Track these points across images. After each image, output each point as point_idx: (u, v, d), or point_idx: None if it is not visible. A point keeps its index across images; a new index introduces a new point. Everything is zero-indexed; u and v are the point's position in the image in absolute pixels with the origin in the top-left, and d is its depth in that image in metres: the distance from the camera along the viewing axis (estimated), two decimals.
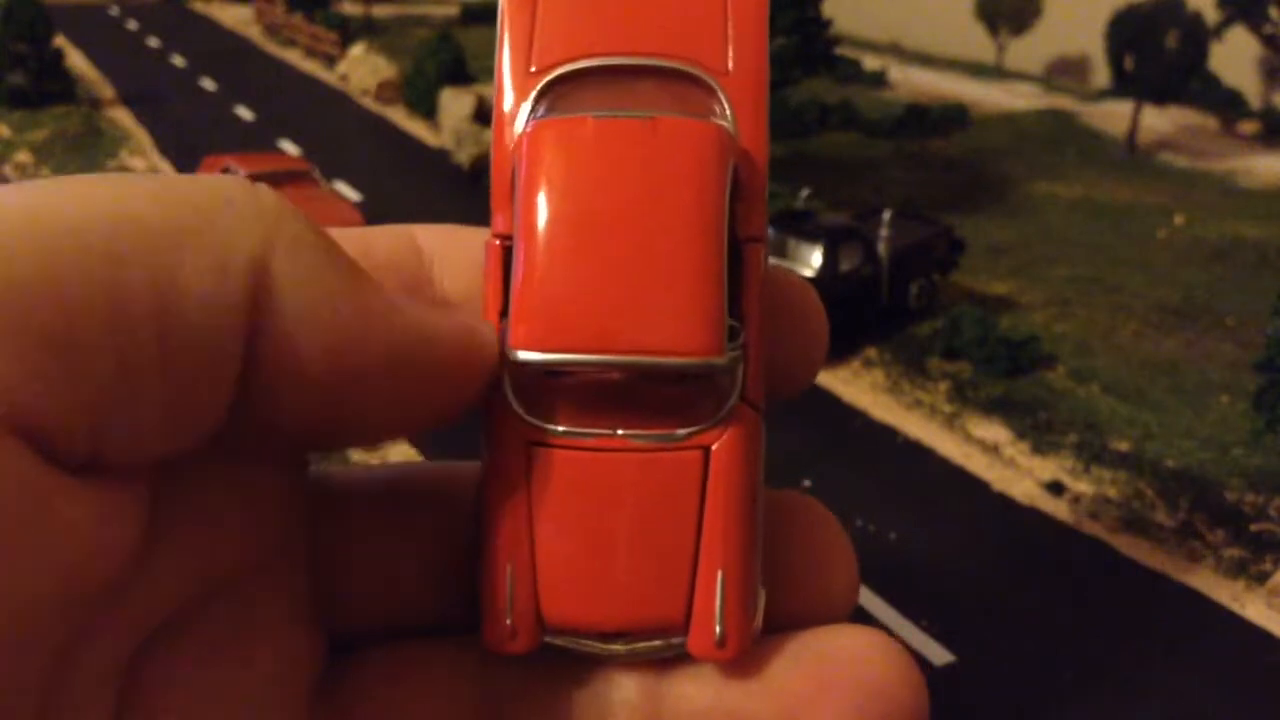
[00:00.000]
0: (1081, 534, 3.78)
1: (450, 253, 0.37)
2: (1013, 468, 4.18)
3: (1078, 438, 4.36)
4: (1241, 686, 3.07)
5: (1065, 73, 12.05)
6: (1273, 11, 8.26)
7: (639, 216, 0.30)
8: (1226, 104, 9.47)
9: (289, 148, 8.27)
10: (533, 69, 0.33)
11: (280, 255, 0.27)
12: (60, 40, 9.55)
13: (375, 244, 0.36)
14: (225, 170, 6.41)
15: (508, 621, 0.32)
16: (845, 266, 5.03)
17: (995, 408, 4.57)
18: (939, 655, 3.12)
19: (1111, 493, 4.01)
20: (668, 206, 0.30)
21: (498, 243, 0.33)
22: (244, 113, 9.57)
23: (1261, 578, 3.53)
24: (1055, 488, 4.04)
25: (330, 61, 11.54)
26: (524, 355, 0.30)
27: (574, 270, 0.30)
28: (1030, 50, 11.75)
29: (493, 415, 0.32)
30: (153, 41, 12.96)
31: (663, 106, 0.32)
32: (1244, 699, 3.02)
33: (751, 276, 0.32)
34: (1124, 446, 4.31)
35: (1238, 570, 3.59)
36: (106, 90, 10.13)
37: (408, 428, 0.32)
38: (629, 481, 0.31)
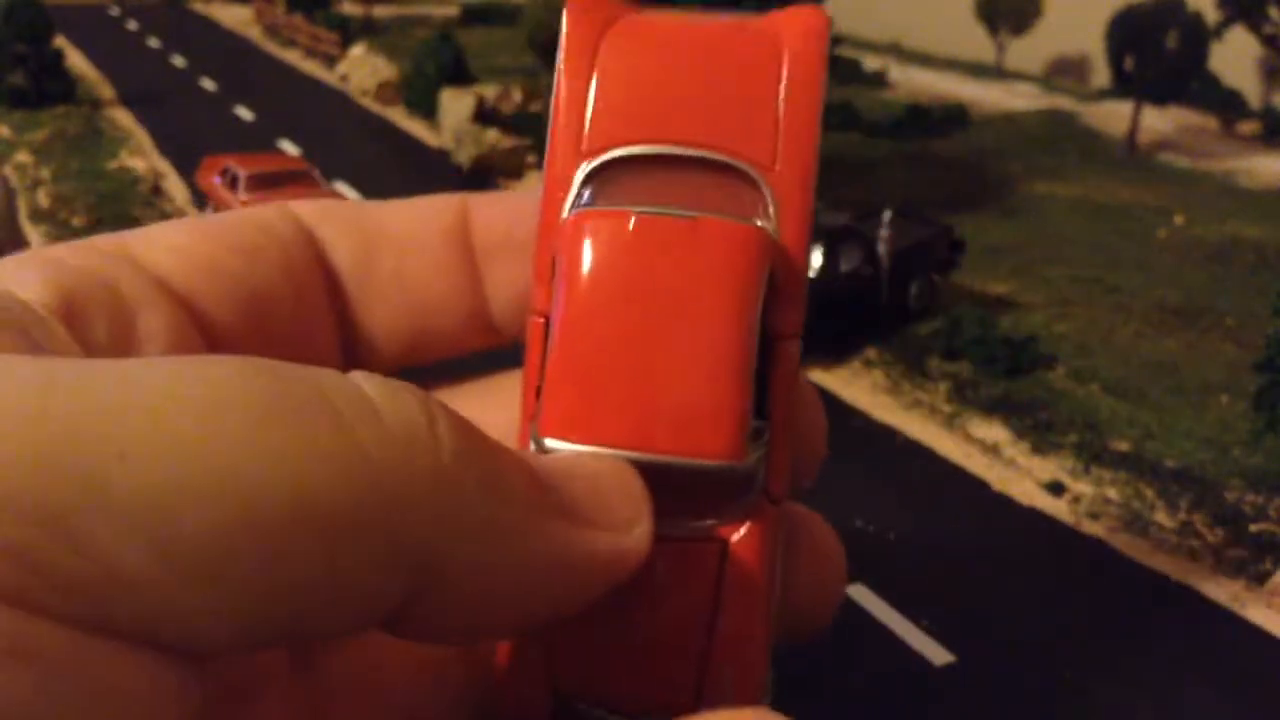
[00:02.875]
0: (1081, 534, 3.78)
1: (487, 208, 0.39)
2: (1013, 468, 4.18)
3: (1078, 438, 4.36)
4: (1241, 687, 3.07)
5: (1065, 73, 12.06)
6: (1273, 11, 8.26)
7: (673, 317, 0.31)
8: (1226, 104, 9.48)
9: (289, 148, 8.27)
10: (584, 148, 0.34)
11: (457, 536, 0.26)
12: (60, 41, 9.56)
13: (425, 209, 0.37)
14: (225, 171, 6.40)
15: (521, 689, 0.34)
16: (845, 267, 5.03)
17: (995, 408, 4.57)
18: (939, 655, 3.12)
19: (1111, 493, 4.01)
20: (701, 309, 0.31)
21: (539, 320, 0.34)
22: (244, 113, 9.58)
23: (1261, 578, 3.53)
24: (1055, 488, 4.04)
25: (330, 62, 11.55)
26: (550, 443, 0.31)
27: (604, 365, 0.31)
28: (1030, 50, 11.75)
29: None
30: (153, 42, 12.97)
31: (709, 199, 0.33)
32: (1244, 699, 3.02)
33: (781, 374, 0.33)
34: (1124, 447, 4.31)
35: (1238, 570, 3.59)
36: (107, 91, 10.13)
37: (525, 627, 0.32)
38: (645, 573, 0.31)
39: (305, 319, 0.36)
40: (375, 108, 9.93)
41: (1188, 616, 3.37)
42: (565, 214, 0.33)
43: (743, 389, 0.31)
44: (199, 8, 15.89)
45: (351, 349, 0.37)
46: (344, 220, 0.37)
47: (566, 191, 0.34)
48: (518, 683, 0.33)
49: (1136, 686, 3.04)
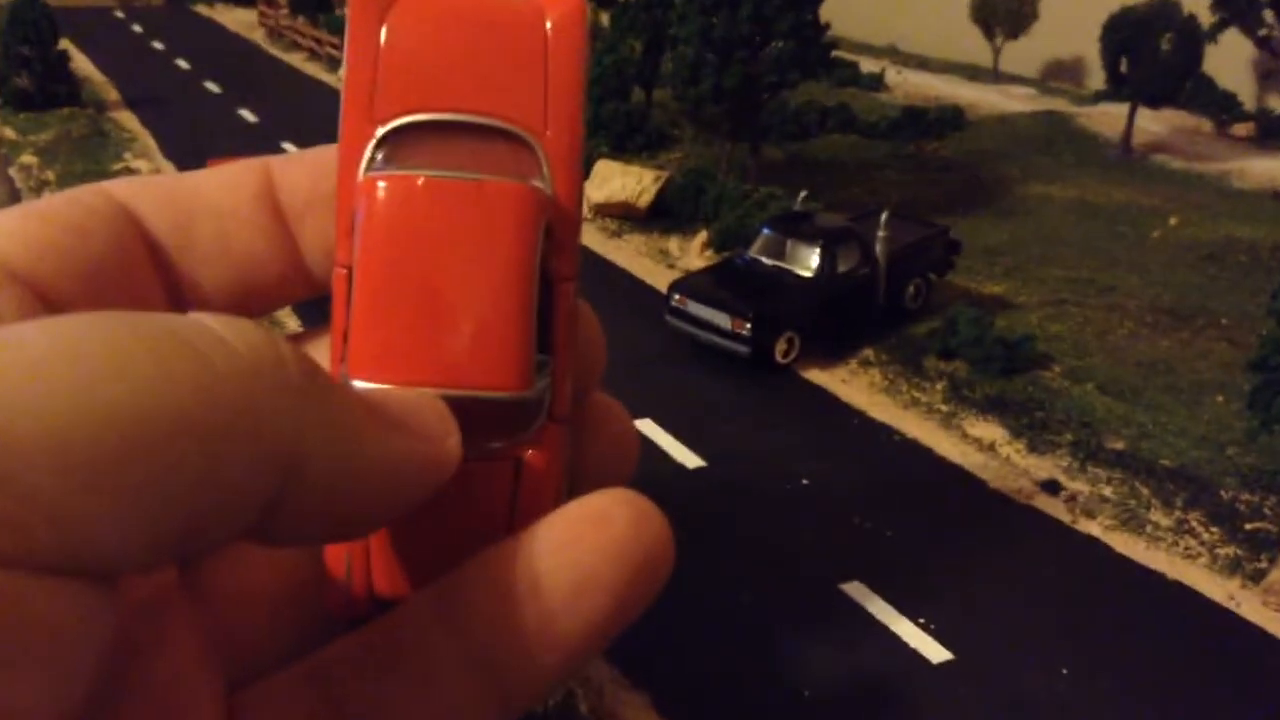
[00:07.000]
0: (1077, 532, 3.80)
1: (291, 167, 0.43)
2: (1009, 466, 4.21)
3: (1073, 437, 4.39)
4: (1238, 684, 3.09)
5: (1061, 75, 12.09)
6: (1266, 15, 8.30)
7: (461, 268, 0.35)
8: (1221, 106, 9.51)
9: (292, 149, 8.29)
10: (374, 115, 0.37)
11: (310, 440, 0.30)
12: (65, 43, 9.58)
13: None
14: None
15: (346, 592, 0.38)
16: (842, 267, 5.07)
17: (991, 407, 4.60)
18: (936, 653, 3.14)
19: (1107, 491, 4.04)
20: (486, 260, 0.35)
21: (343, 271, 0.37)
22: (247, 115, 9.61)
23: (1257, 576, 3.55)
24: (1051, 486, 4.07)
25: (333, 64, 11.58)
26: (359, 384, 0.35)
27: (403, 312, 0.35)
28: (1026, 53, 11.78)
29: None
30: (157, 45, 12.99)
31: (489, 161, 0.37)
32: (1240, 696, 3.04)
33: (561, 312, 0.38)
34: (1119, 445, 4.34)
35: (1233, 568, 3.61)
36: (111, 93, 10.16)
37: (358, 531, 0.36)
38: (450, 488, 0.36)
39: (137, 287, 0.39)
40: None
41: (1183, 614, 3.39)
42: (361, 176, 0.37)
43: (526, 328, 0.35)
44: (203, 11, 15.91)
45: (183, 310, 0.39)
46: (158, 194, 0.42)
47: (360, 155, 0.37)
48: (343, 591, 0.38)
49: (1132, 683, 3.06)
